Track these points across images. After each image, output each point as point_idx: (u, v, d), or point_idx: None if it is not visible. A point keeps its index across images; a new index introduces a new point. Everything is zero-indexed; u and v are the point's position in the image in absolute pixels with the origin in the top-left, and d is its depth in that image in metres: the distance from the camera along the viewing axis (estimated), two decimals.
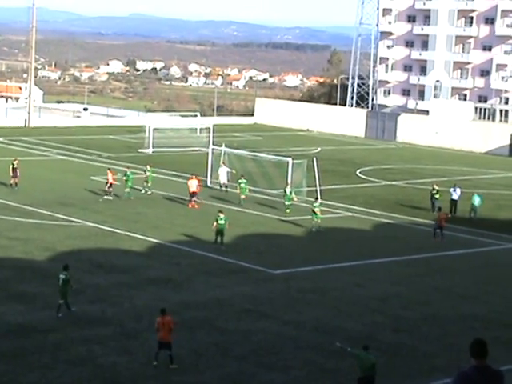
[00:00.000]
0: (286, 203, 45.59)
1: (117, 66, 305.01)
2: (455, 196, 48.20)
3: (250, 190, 51.54)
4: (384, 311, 28.94)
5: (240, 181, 47.54)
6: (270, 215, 44.53)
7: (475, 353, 9.38)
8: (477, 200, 47.11)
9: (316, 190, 48.99)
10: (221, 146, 57.39)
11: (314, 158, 52.45)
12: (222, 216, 37.28)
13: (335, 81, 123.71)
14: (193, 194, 46.79)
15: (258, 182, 53.64)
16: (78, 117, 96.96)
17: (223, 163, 53.47)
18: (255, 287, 31.27)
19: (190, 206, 46.55)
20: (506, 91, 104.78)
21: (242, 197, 47.32)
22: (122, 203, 46.62)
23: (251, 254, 36.51)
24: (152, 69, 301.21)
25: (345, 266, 35.32)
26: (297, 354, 24.11)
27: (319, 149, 78.59)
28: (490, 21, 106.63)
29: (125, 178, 48.15)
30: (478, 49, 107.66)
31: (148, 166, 50.87)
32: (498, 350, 24.02)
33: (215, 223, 37.34)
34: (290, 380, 22.35)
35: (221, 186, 51.92)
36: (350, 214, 47.14)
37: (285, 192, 46.38)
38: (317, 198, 44.16)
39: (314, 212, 42.05)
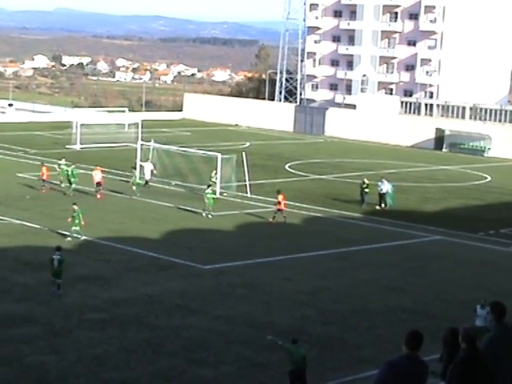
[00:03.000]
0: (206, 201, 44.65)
1: (42, 61, 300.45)
2: (383, 189, 48.84)
3: (178, 185, 51.55)
4: (313, 304, 29.20)
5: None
6: (200, 210, 44.48)
7: (410, 343, 9.63)
8: (387, 187, 48.05)
9: (245, 185, 49.11)
10: (149, 141, 57.13)
11: (243, 153, 52.59)
12: (76, 208, 37.11)
13: (263, 76, 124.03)
14: (98, 184, 47.91)
15: (188, 178, 53.58)
16: (3, 113, 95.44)
17: (148, 159, 53.41)
18: (185, 283, 31.25)
19: (98, 196, 47.42)
20: (430, 85, 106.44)
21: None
22: (49, 200, 46.10)
23: (181, 249, 36.45)
24: (78, 64, 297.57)
25: (274, 260, 35.50)
26: (227, 348, 24.19)
27: (248, 144, 78.77)
28: (414, 16, 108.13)
29: (65, 172, 48.73)
30: (403, 44, 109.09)
31: (63, 160, 51.18)
32: (424, 341, 24.43)
33: (70, 218, 37.17)
34: (221, 375, 22.42)
35: (146, 182, 51.65)
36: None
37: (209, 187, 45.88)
38: (209, 186, 45.14)
39: (209, 198, 43.48)
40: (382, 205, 48.31)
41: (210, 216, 43.51)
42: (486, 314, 23.53)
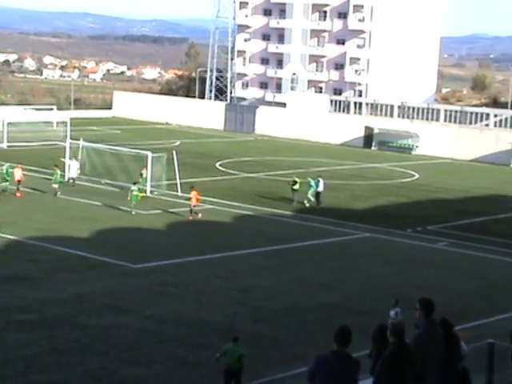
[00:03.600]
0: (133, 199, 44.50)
1: None
2: (319, 188, 49.14)
3: (108, 183, 51.16)
4: (245, 302, 29.22)
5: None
6: (130, 209, 44.15)
7: (338, 339, 9.74)
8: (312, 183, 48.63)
9: (176, 184, 48.91)
10: (78, 139, 56.51)
11: (174, 152, 52.38)
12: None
13: (193, 74, 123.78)
14: (18, 182, 47.55)
15: (118, 176, 53.16)
16: None
17: (74, 157, 52.99)
18: (116, 282, 30.98)
19: (18, 194, 46.98)
20: (359, 84, 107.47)
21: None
22: None
23: (111, 248, 36.13)
24: (4, 61, 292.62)
25: (206, 258, 35.43)
26: (159, 348, 24.05)
27: (178, 142, 78.52)
28: (342, 15, 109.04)
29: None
30: (332, 42, 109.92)
31: None
32: (354, 337, 24.65)
33: None
34: (153, 374, 22.28)
35: (68, 180, 51.29)
36: (211, 206, 47.32)
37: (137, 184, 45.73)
38: (135, 183, 45.12)
39: (133, 195, 43.68)
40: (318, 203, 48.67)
41: (133, 213, 43.36)
42: (395, 314, 23.64)
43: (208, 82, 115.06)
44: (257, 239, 39.69)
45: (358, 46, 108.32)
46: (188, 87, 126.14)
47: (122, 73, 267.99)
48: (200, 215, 43.64)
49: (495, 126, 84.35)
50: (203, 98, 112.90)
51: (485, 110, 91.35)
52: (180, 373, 22.46)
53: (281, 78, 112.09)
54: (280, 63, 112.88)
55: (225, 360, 20.37)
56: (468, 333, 22.25)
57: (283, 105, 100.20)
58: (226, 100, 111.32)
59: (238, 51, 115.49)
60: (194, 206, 43.72)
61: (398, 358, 10.24)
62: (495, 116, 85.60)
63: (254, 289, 31.08)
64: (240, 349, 20.52)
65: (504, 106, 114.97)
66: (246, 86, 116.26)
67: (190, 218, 43.37)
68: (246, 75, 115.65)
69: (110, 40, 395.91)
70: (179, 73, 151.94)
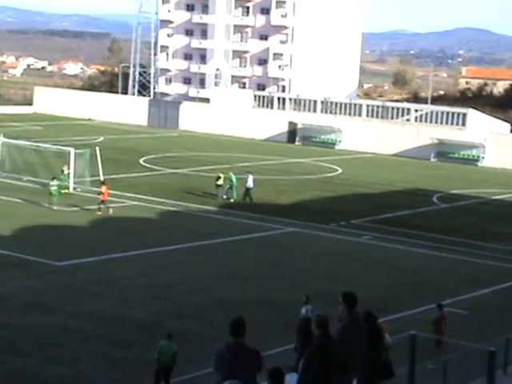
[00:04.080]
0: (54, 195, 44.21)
1: None
2: (249, 184, 49.22)
3: (29, 180, 50.44)
4: (170, 298, 29.14)
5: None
6: (51, 205, 43.59)
7: (232, 331, 9.88)
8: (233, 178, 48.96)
9: (99, 180, 48.44)
10: None
11: (97, 148, 51.88)
12: None
13: (116, 69, 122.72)
14: None
15: (39, 173, 52.41)
16: None
17: None
18: (39, 280, 30.56)
19: None
20: (282, 79, 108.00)
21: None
22: None
23: (34, 246, 35.62)
24: None
25: (130, 255, 35.19)
26: (83, 346, 23.82)
27: (102, 138, 77.78)
28: (265, 11, 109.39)
29: None
30: (255, 38, 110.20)
31: None
32: (278, 331, 24.91)
33: None
34: (77, 373, 22.05)
35: None
36: (135, 202, 47.03)
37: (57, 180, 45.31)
38: (54, 178, 44.86)
39: (52, 191, 43.57)
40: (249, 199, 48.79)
41: (55, 208, 42.93)
42: (306, 312, 23.74)
43: (131, 78, 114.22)
44: (182, 235, 39.58)
45: (281, 42, 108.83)
46: (111, 83, 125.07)
47: (42, 68, 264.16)
48: (111, 211, 43.09)
49: (416, 120, 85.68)
50: (126, 93, 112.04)
51: (406, 105, 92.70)
52: (105, 370, 22.29)
53: (204, 74, 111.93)
54: (203, 59, 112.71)
55: (159, 357, 20.26)
56: (391, 325, 22.60)
57: (207, 100, 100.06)
58: (150, 96, 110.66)
59: (161, 46, 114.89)
60: (102, 201, 43.23)
61: (323, 351, 10.34)
62: (416, 111, 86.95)
63: (179, 285, 31.01)
64: (174, 345, 20.50)
65: (424, 101, 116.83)
66: (169, 81, 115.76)
67: (99, 213, 42.86)
68: (169, 71, 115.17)
69: (30, 34, 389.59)
70: (102, 68, 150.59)
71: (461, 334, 24.17)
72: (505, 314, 29.10)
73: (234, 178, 49.29)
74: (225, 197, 48.88)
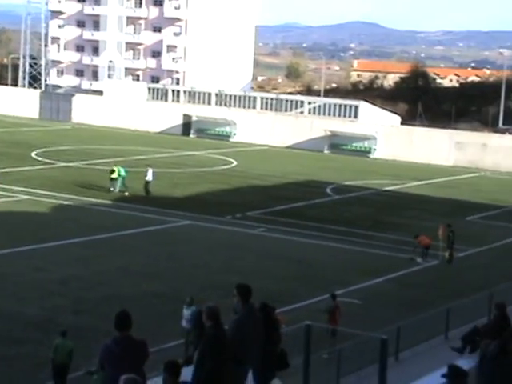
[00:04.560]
0: None
1: None
2: (149, 177, 48.90)
3: None
4: (64, 294, 28.76)
5: None
6: None
7: (117, 325, 9.90)
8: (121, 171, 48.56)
9: None
10: None
11: None
12: None
13: (5, 60, 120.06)
14: None
15: None
16: None
17: None
18: None
19: None
20: (176, 72, 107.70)
21: None
22: None
23: None
24: None
25: (23, 250, 34.54)
26: None
27: None
28: (158, 2, 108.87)
29: None
30: (148, 30, 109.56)
31: None
32: (174, 324, 24.84)
33: None
34: None
35: None
36: (27, 197, 46.18)
37: None
38: None
39: None
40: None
41: None
42: (190, 315, 22.80)
43: (21, 69, 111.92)
44: (76, 229, 39.08)
45: (175, 34, 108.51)
46: (0, 74, 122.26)
47: None
48: None
49: (309, 113, 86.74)
50: (16, 85, 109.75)
51: (299, 97, 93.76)
52: None
53: (97, 66, 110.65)
54: (96, 50, 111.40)
55: (54, 355, 19.93)
56: (286, 316, 22.89)
57: (100, 93, 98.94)
58: (41, 88, 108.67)
59: (51, 38, 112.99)
60: None
61: (216, 341, 10.41)
62: (309, 103, 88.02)
63: (74, 279, 30.63)
64: (70, 343, 20.23)
65: (317, 93, 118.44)
66: (61, 73, 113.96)
67: None
68: (61, 62, 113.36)
69: None
70: None
71: (354, 323, 24.66)
72: (397, 303, 29.82)
73: (122, 170, 48.91)
74: (116, 190, 48.41)
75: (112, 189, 48.50)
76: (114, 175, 48.77)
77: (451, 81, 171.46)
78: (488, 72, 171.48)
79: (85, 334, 24.70)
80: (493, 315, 16.15)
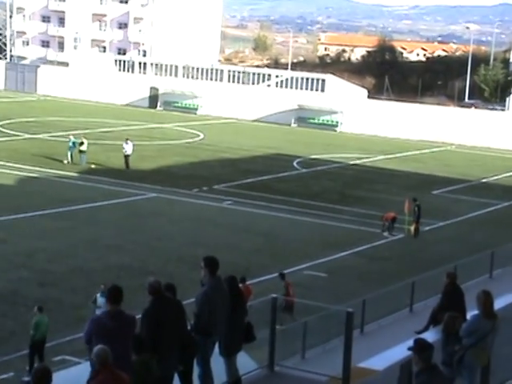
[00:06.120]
0: None
1: None
2: (128, 150, 48.61)
3: None
4: (30, 266, 28.63)
5: None
6: None
7: (110, 299, 9.93)
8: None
9: None
10: None
11: None
12: None
13: None
14: None
15: None
16: None
17: None
18: None
19: None
20: (143, 44, 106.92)
21: None
22: None
23: None
24: None
25: None
26: None
27: None
28: None
29: None
30: (115, 1, 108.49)
31: None
32: (141, 297, 24.78)
33: None
34: None
35: None
36: None
37: None
38: None
39: None
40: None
41: None
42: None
43: None
44: (42, 201, 38.82)
45: (142, 5, 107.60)
46: None
47: None
48: None
49: (277, 86, 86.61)
50: None
51: (266, 70, 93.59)
52: None
53: (63, 37, 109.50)
54: (62, 21, 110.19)
55: (35, 332, 19.77)
56: (253, 288, 22.98)
57: (66, 64, 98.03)
58: (6, 59, 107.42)
59: (17, 8, 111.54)
60: None
61: (154, 314, 10.52)
62: (277, 77, 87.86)
63: (40, 252, 30.49)
64: (46, 318, 20.17)
65: (284, 66, 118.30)
66: (26, 44, 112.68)
67: None
68: (26, 33, 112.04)
69: None
70: None
71: (320, 296, 24.82)
72: (362, 276, 30.03)
73: (74, 140, 48.67)
74: (84, 163, 48.08)
75: (82, 162, 48.08)
76: (83, 147, 48.44)
77: (418, 55, 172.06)
78: (455, 46, 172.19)
79: (50, 306, 24.63)
80: (444, 285, 16.34)
